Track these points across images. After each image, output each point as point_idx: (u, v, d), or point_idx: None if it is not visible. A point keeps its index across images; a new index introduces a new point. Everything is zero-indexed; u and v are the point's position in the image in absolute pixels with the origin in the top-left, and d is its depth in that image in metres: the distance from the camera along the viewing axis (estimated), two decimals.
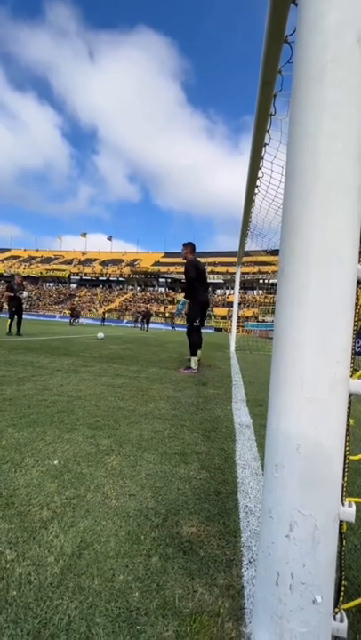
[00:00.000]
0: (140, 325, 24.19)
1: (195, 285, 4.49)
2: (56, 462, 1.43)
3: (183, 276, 4.58)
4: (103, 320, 28.59)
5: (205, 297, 4.80)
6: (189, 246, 4.64)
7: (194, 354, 4.57)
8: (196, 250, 4.78)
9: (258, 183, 3.93)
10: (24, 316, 8.92)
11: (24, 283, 9.01)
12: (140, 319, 25.24)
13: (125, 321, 36.31)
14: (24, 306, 8.79)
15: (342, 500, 0.55)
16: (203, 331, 4.82)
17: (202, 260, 5.47)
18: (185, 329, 4.78)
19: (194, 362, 4.55)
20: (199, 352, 4.69)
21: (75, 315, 24.97)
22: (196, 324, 4.57)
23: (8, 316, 8.64)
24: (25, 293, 8.64)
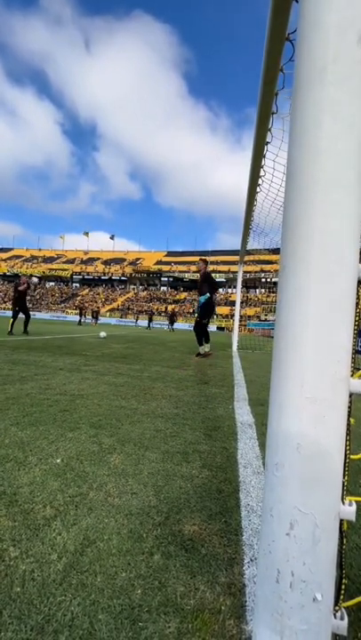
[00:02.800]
0: (169, 327, 24.83)
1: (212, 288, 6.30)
2: (59, 461, 1.44)
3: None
4: (96, 318, 24.81)
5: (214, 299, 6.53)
6: (204, 261, 6.53)
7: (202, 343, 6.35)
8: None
9: (260, 182, 3.91)
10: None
11: (28, 280, 9.14)
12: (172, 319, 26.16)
13: (140, 321, 34.91)
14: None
15: (343, 499, 0.55)
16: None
17: (204, 258, 6.84)
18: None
19: (207, 347, 6.34)
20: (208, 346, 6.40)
21: (93, 314, 24.39)
22: (205, 321, 6.26)
23: (11, 315, 8.71)
24: (34, 279, 8.86)
